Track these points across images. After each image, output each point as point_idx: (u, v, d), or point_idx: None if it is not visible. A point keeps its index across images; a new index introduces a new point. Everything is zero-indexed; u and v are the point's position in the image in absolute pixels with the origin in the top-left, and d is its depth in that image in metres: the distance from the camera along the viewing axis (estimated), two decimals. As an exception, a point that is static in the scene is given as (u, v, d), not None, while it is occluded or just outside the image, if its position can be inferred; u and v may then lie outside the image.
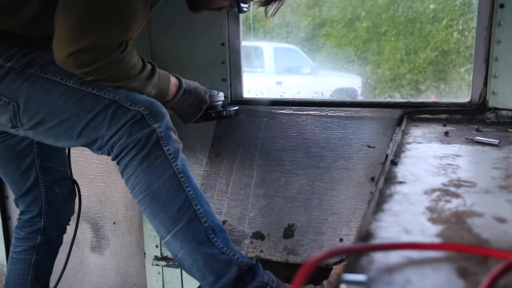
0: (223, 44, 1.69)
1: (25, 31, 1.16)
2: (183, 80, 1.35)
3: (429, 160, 0.95)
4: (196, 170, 1.70)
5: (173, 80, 1.31)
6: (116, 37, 1.07)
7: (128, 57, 1.11)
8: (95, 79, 1.10)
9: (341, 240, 1.42)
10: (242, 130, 1.65)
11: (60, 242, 1.59)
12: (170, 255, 1.79)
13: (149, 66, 1.19)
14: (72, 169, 1.55)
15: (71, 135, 1.13)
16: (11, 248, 1.54)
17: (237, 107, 1.59)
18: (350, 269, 0.49)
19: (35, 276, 1.51)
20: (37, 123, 1.14)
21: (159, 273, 1.87)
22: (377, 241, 0.56)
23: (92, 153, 1.23)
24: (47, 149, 1.43)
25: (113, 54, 1.07)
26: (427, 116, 1.51)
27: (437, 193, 0.74)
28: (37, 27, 1.16)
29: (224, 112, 1.52)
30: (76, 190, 1.53)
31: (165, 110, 1.17)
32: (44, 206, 1.48)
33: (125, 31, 1.09)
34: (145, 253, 1.87)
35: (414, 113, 1.51)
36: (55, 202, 1.50)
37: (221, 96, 1.53)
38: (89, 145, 1.15)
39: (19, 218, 1.52)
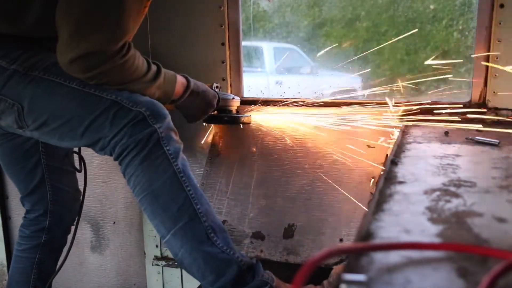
0: (223, 44, 1.69)
1: (29, 34, 1.17)
2: (192, 81, 1.34)
3: (429, 160, 0.95)
4: (196, 170, 1.70)
5: (180, 80, 1.31)
6: (113, 40, 1.07)
7: (131, 60, 1.11)
8: (99, 83, 1.12)
9: (341, 240, 1.42)
10: (242, 130, 1.65)
11: (64, 242, 1.59)
12: (170, 255, 1.79)
13: (154, 68, 1.19)
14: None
15: (75, 135, 1.15)
16: (15, 246, 1.55)
17: (249, 115, 1.58)
18: (350, 269, 0.49)
19: (38, 274, 1.52)
20: (42, 124, 1.15)
21: (159, 273, 1.87)
22: (377, 241, 0.56)
23: (92, 153, 1.23)
24: (53, 148, 1.44)
25: (115, 58, 1.07)
26: (427, 116, 1.50)
27: (437, 193, 0.74)
28: (41, 30, 1.17)
29: (237, 118, 1.51)
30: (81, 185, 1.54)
31: (166, 111, 1.17)
32: (49, 205, 1.49)
33: (122, 33, 1.09)
34: (145, 253, 1.87)
35: (414, 113, 1.51)
36: (61, 201, 1.51)
37: (236, 101, 1.52)
38: (92, 146, 1.17)
39: (24, 217, 1.53)
